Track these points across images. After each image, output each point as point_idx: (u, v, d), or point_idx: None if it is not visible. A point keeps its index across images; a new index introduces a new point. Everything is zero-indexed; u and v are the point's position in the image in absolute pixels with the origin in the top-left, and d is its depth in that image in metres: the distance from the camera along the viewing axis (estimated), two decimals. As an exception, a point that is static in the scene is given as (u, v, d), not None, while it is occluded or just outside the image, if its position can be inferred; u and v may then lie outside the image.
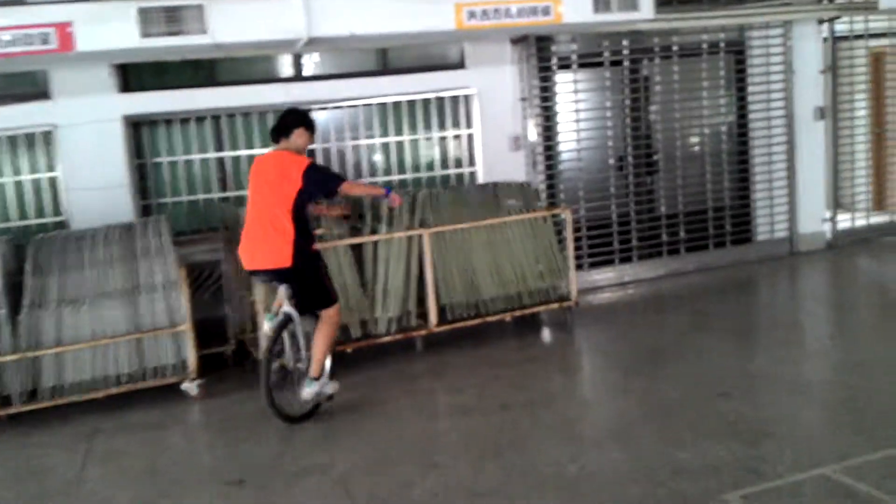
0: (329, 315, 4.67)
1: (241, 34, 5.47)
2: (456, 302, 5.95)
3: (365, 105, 7.02)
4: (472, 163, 7.35)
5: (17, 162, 6.35)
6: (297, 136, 4.69)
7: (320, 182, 4.58)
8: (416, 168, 7.26)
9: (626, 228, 7.81)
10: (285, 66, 6.96)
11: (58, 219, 6.35)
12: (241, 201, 6.82)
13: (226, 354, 6.01)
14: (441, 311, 5.90)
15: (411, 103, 7.04)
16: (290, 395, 4.76)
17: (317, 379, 4.63)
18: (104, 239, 5.39)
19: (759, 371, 4.84)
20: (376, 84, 6.97)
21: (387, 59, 7.08)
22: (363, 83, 6.94)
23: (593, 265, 7.72)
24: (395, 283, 5.73)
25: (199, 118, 6.69)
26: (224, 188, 6.85)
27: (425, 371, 5.47)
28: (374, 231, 5.74)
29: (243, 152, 6.79)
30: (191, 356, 5.34)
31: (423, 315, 5.88)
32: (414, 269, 5.81)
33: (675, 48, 7.80)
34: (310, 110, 6.88)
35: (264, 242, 4.54)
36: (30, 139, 6.33)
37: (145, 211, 6.64)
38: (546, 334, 6.32)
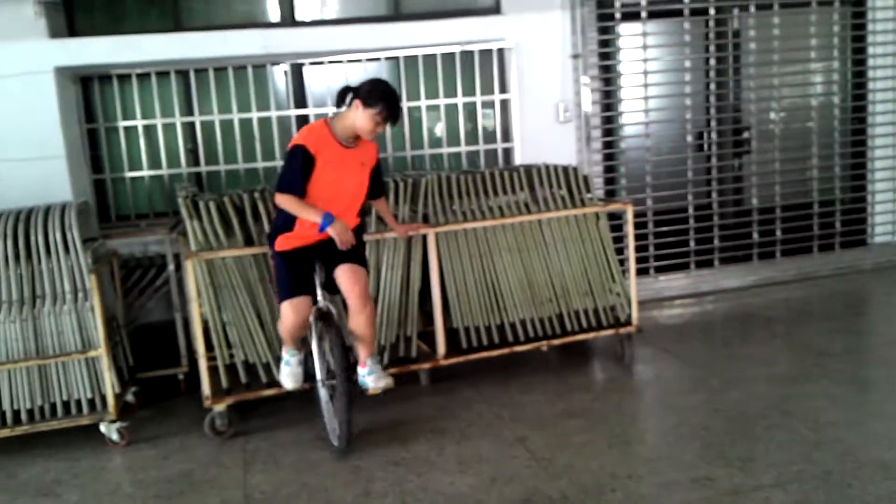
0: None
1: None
2: (473, 326, 4.43)
3: (370, 60, 5.48)
4: (507, 138, 5.74)
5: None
6: (353, 109, 3.61)
7: (280, 175, 3.70)
8: (435, 143, 5.69)
9: (707, 224, 6.13)
10: (271, 8, 5.46)
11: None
12: (214, 178, 5.45)
13: (178, 378, 4.68)
14: (452, 336, 4.40)
15: (429, 58, 5.43)
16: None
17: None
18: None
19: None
20: (385, 33, 5.41)
21: (399, 0, 5.52)
22: (368, 31, 5.38)
23: (661, 270, 6.10)
24: (388, 301, 4.23)
25: (161, 73, 5.27)
26: (196, 161, 5.45)
27: (421, 423, 3.97)
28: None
29: (217, 117, 5.35)
30: (109, 390, 3.97)
31: (429, 341, 4.43)
32: (416, 282, 4.30)
33: (776, -6, 6.04)
34: (301, 65, 5.46)
35: None
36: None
37: (98, 188, 5.37)
38: (596, 373, 4.74)
